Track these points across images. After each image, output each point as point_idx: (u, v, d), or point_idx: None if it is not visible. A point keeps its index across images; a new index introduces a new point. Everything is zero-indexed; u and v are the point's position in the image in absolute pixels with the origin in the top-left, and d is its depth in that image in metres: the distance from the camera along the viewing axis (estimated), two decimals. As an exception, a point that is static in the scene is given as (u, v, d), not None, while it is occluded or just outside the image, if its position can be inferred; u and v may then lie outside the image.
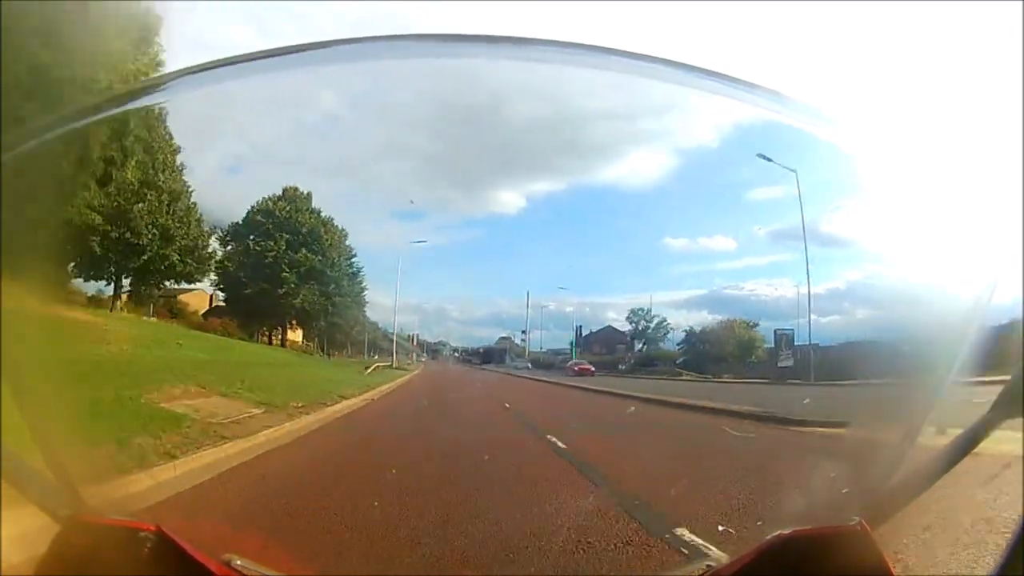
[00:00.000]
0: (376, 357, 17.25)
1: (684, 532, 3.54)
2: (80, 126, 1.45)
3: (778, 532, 1.14)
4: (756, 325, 15.03)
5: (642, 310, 17.25)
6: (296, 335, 16.92)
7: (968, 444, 1.18)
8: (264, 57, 1.41)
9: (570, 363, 17.82)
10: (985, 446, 1.18)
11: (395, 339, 16.84)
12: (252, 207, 14.17)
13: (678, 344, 16.83)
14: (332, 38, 1.45)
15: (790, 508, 3.40)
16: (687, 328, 16.42)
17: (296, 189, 14.29)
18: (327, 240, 14.83)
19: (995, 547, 2.70)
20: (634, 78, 1.50)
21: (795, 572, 1.12)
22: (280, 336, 16.39)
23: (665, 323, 17.12)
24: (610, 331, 18.37)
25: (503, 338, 19.69)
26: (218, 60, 1.38)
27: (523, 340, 19.43)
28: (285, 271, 14.18)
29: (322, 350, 17.70)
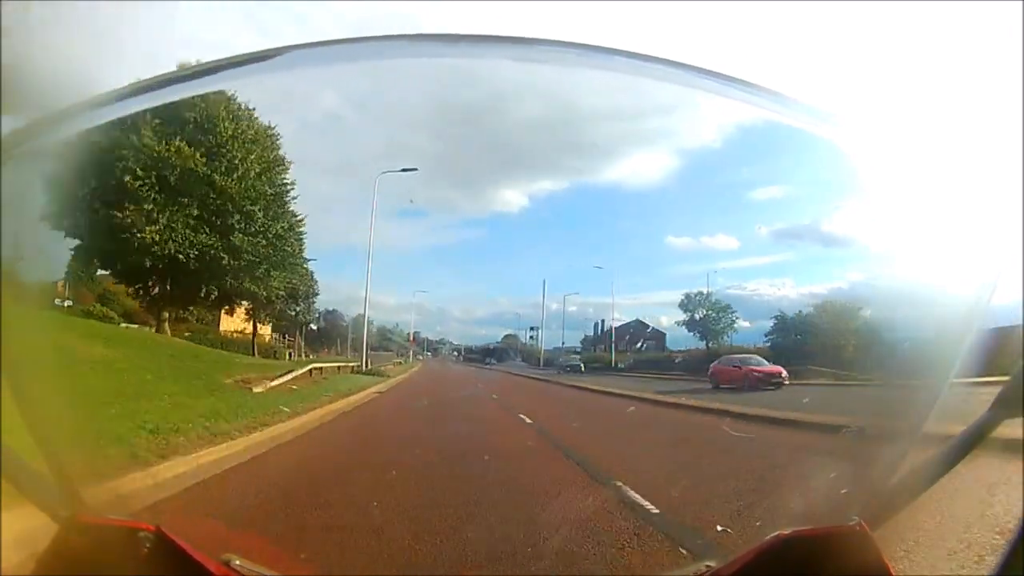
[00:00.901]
0: (345, 357, 13.36)
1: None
2: (82, 125, 1.45)
3: (778, 532, 1.14)
4: (861, 308, 10.87)
5: (701, 294, 13.24)
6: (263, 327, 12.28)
7: (968, 444, 1.17)
8: (267, 58, 1.41)
9: (726, 360, 10.99)
10: (985, 446, 1.18)
11: (365, 324, 12.02)
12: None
13: (766, 336, 12.27)
14: (333, 38, 1.45)
15: (789, 508, 3.40)
16: (777, 314, 11.97)
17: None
18: (227, 132, 7.82)
19: (995, 547, 2.70)
20: (636, 78, 1.50)
21: (795, 572, 1.12)
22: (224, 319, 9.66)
23: (731, 310, 13.24)
24: (638, 326, 15.58)
25: (509, 336, 18.78)
26: (220, 60, 1.38)
27: (532, 337, 18.06)
28: (136, 179, 7.28)
29: (310, 347, 14.84)
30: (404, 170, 9.20)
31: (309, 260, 9.93)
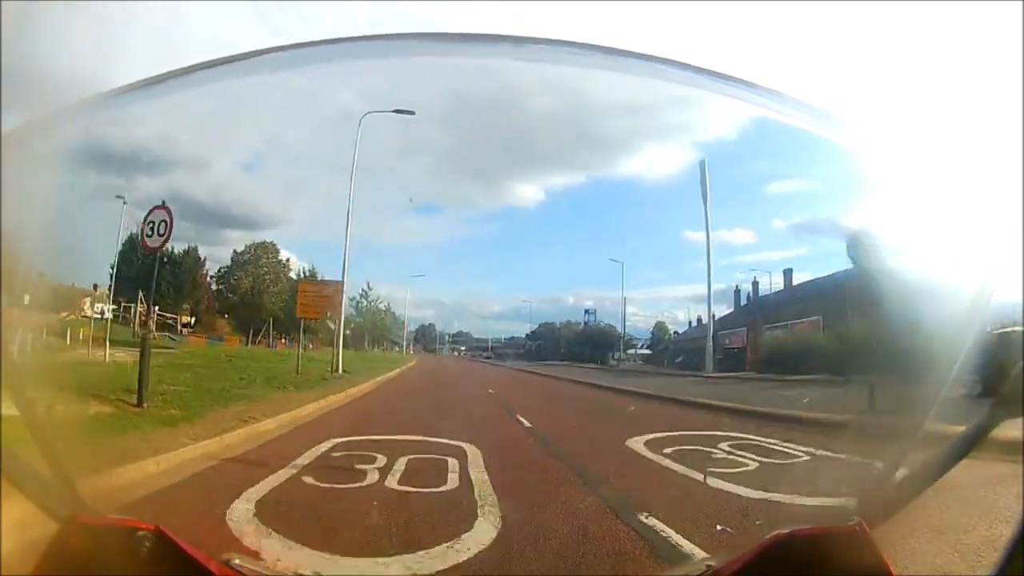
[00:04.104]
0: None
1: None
2: (85, 124, 1.45)
3: (777, 531, 1.14)
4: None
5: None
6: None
7: (968, 444, 1.17)
8: (281, 50, 1.39)
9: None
10: (985, 445, 1.18)
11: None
12: None
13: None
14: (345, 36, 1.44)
15: (789, 507, 3.40)
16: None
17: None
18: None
19: (994, 547, 2.70)
20: (649, 80, 1.49)
21: (795, 572, 1.12)
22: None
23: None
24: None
25: (545, 325, 14.32)
26: (234, 55, 1.36)
27: (588, 322, 13.59)
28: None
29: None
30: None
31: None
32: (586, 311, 14.51)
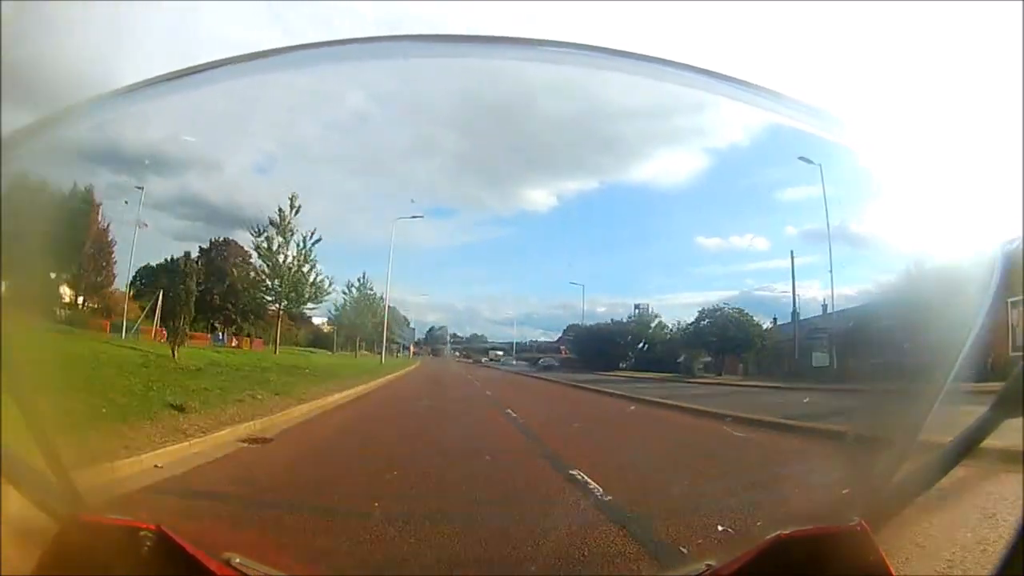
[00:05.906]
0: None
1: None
2: (95, 121, 1.44)
3: (778, 532, 1.14)
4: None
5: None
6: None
7: (968, 444, 1.17)
8: (292, 51, 1.38)
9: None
10: (985, 446, 1.18)
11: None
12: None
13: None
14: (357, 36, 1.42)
15: (790, 508, 3.39)
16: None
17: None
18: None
19: (995, 547, 2.70)
20: (661, 83, 1.49)
21: (795, 572, 1.11)
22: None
23: None
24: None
25: (573, 327, 13.10)
26: (245, 54, 1.35)
27: (638, 319, 12.72)
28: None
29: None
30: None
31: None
32: (636, 306, 13.65)
